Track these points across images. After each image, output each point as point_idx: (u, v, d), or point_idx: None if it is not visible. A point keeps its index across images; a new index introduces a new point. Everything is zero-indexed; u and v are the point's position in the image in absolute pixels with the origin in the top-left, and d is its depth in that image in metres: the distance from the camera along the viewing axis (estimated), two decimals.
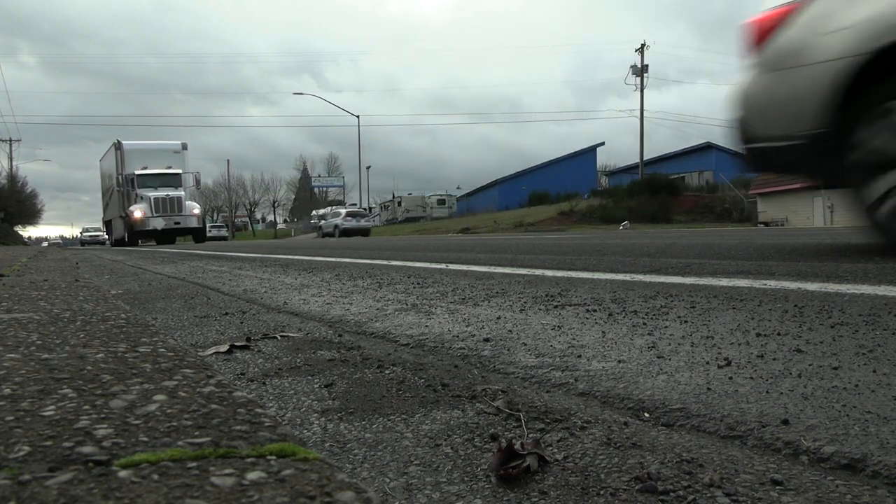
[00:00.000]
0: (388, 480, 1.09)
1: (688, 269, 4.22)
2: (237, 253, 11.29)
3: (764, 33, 4.68)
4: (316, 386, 1.67)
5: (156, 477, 0.79)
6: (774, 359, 1.70)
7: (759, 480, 1.01)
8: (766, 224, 34.10)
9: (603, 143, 64.72)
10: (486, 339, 2.18)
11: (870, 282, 3.15)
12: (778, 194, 36.44)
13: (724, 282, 3.44)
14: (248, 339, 2.34)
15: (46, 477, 0.79)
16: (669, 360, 1.76)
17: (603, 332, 2.20)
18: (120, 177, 31.90)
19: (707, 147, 55.72)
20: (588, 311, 2.66)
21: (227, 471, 0.82)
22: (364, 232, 37.89)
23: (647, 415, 1.36)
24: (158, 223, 29.57)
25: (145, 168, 31.28)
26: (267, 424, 1.01)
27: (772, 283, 3.25)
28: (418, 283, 4.10)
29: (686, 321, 2.30)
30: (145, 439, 0.93)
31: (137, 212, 29.50)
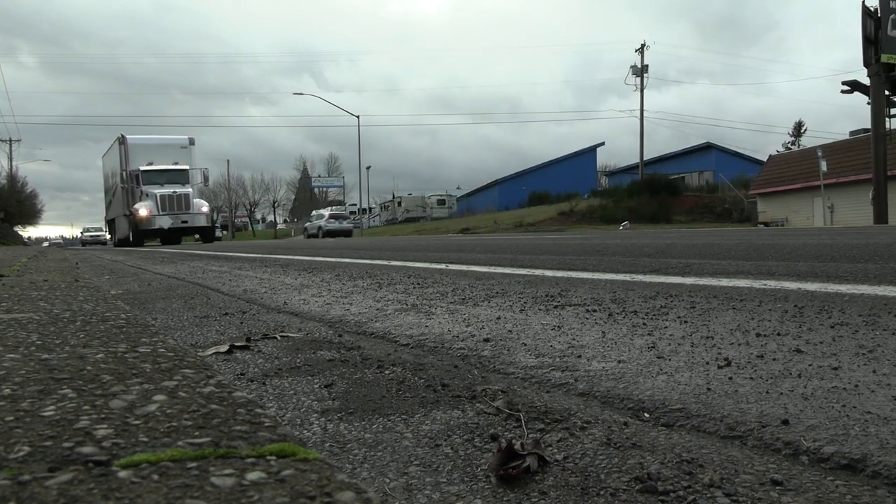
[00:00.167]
0: (388, 480, 1.09)
1: (688, 270, 4.22)
2: (237, 253, 11.29)
3: None
4: (316, 386, 1.67)
5: (156, 477, 0.79)
6: (774, 359, 1.70)
7: (759, 480, 1.01)
8: (766, 224, 34.08)
9: (603, 143, 64.69)
10: (486, 340, 2.18)
11: (870, 282, 3.15)
12: (778, 194, 36.44)
13: (724, 282, 3.44)
14: (248, 340, 2.34)
15: (46, 477, 0.79)
16: (669, 360, 1.76)
17: (603, 332, 2.20)
18: (124, 173, 29.91)
19: (707, 147, 55.70)
20: (588, 311, 2.66)
21: (227, 471, 0.82)
22: (346, 233, 39.83)
23: (647, 415, 1.36)
24: (165, 222, 27.83)
25: (151, 164, 29.43)
26: (267, 425, 1.01)
27: (772, 283, 3.25)
28: (418, 284, 4.10)
29: (686, 321, 2.30)
30: (145, 439, 0.93)
31: (143, 210, 27.75)
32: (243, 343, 2.26)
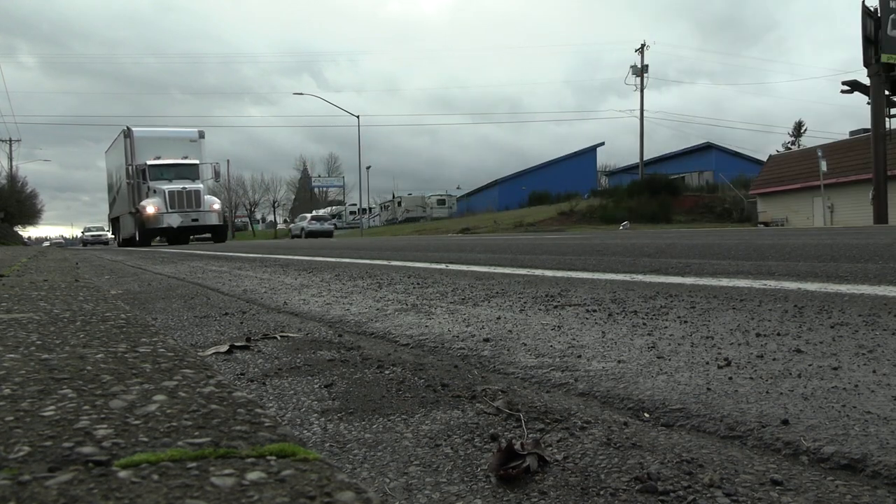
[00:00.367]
0: (388, 480, 1.09)
1: (688, 270, 4.22)
2: (237, 253, 11.29)
3: None
4: (316, 386, 1.67)
5: (156, 477, 0.79)
6: (774, 359, 1.70)
7: (759, 480, 1.01)
8: (766, 224, 34.07)
9: (603, 143, 64.67)
10: (486, 340, 2.18)
11: (870, 282, 3.15)
12: (778, 194, 36.45)
13: (724, 282, 3.44)
14: (248, 340, 2.34)
15: (46, 477, 0.79)
16: (669, 360, 1.76)
17: (603, 332, 2.20)
18: (130, 168, 27.58)
19: (707, 147, 55.70)
20: (588, 311, 2.66)
21: (227, 471, 0.82)
22: (326, 234, 43.02)
23: (647, 415, 1.36)
24: (174, 220, 25.77)
25: (158, 158, 27.33)
26: (267, 424, 1.01)
27: (772, 283, 3.25)
28: (418, 284, 4.10)
29: (686, 321, 2.30)
30: (145, 439, 0.93)
31: (150, 207, 25.67)
32: (243, 343, 2.26)
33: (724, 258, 5.16)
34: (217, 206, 27.53)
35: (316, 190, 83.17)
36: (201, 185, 26.96)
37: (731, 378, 1.54)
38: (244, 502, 0.73)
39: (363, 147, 44.76)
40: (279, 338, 2.37)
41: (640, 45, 46.33)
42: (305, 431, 1.33)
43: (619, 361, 1.77)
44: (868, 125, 28.50)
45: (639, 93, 46.62)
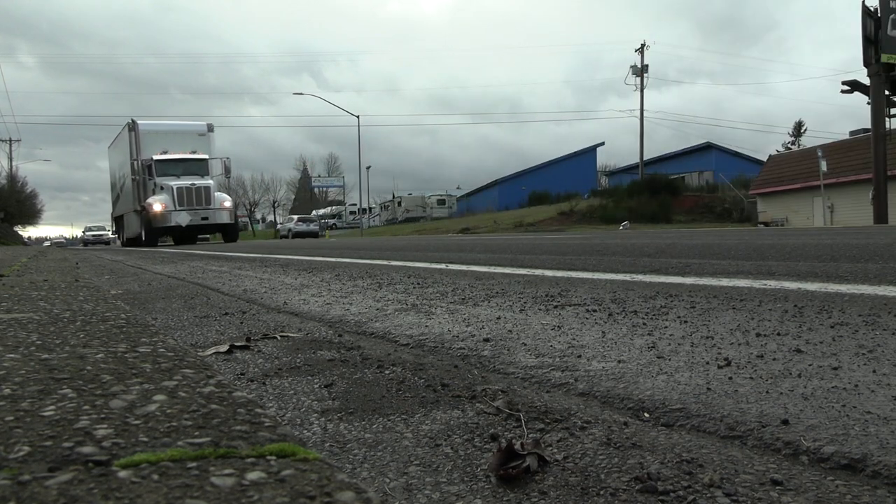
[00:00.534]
0: (388, 480, 1.09)
1: (688, 270, 4.22)
2: (237, 253, 11.29)
3: None
4: (316, 386, 1.67)
5: (156, 477, 0.79)
6: (774, 359, 1.70)
7: (759, 480, 1.01)
8: (766, 224, 34.07)
9: (603, 143, 64.63)
10: (486, 340, 2.18)
11: (870, 282, 3.15)
12: (778, 194, 36.46)
13: (724, 282, 3.44)
14: (248, 340, 2.34)
15: (46, 477, 0.79)
16: (669, 360, 1.76)
17: (603, 332, 2.20)
18: (135, 163, 25.95)
19: (707, 147, 55.68)
20: (588, 311, 2.66)
21: (227, 471, 0.81)
22: (312, 234, 45.80)
23: (647, 415, 1.36)
24: (182, 218, 24.13)
25: (165, 152, 25.75)
26: (267, 424, 1.01)
27: (772, 283, 3.25)
28: (418, 283, 4.10)
29: (686, 321, 2.30)
30: (145, 439, 0.93)
31: (157, 204, 24.08)
32: (243, 343, 2.26)
33: (724, 258, 5.16)
34: (228, 203, 25.94)
35: (316, 190, 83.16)
36: (211, 182, 25.40)
37: (731, 378, 1.54)
38: (244, 502, 0.73)
39: (363, 147, 44.78)
40: (279, 338, 2.37)
41: (640, 45, 46.34)
42: (305, 431, 1.33)
43: (619, 361, 1.77)
44: (868, 125, 28.50)
45: (639, 93, 46.64)
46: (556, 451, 1.17)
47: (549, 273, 4.48)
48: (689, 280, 3.62)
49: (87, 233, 64.35)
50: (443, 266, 5.60)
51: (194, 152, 26.39)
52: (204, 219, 24.72)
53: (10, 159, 64.77)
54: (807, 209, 34.63)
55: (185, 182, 24.51)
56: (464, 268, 5.31)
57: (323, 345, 2.22)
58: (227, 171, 27.19)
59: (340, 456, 1.19)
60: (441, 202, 69.17)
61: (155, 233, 24.58)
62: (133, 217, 27.16)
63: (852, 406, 1.29)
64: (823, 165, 29.08)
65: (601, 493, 1.00)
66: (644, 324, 2.30)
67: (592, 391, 1.53)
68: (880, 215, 26.88)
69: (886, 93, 27.52)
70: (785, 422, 1.23)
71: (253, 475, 0.80)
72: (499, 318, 2.61)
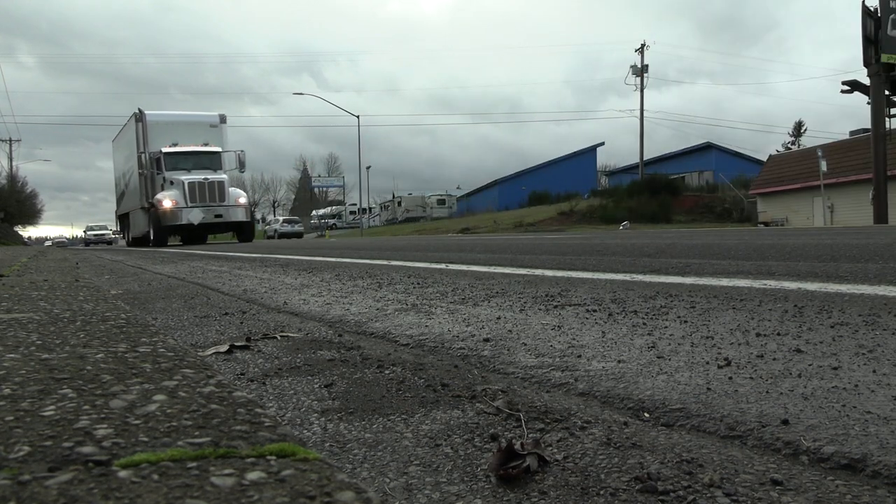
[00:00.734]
0: (388, 480, 1.09)
1: (688, 269, 4.22)
2: (237, 253, 11.29)
3: None
4: (316, 386, 1.67)
5: (156, 477, 0.79)
6: (774, 359, 1.70)
7: (759, 480, 1.01)
8: (766, 224, 34.07)
9: (603, 143, 64.62)
10: (486, 339, 2.18)
11: (870, 282, 3.15)
12: (778, 194, 36.46)
13: (724, 282, 3.44)
14: (248, 339, 2.34)
15: (46, 477, 0.79)
16: (669, 360, 1.76)
17: (603, 332, 2.20)
18: (142, 156, 24.00)
19: (707, 147, 55.68)
20: (588, 311, 2.66)
21: (227, 471, 0.82)
22: (297, 235, 47.10)
23: (647, 415, 1.36)
24: (194, 215, 22.33)
25: (175, 145, 23.96)
26: (267, 424, 1.01)
27: (772, 283, 3.25)
28: (418, 283, 4.10)
29: (686, 321, 2.30)
30: (145, 439, 0.93)
31: (167, 201, 22.30)
32: (243, 343, 2.26)
33: (724, 258, 5.16)
34: (243, 199, 24.12)
35: (316, 190, 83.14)
36: (225, 176, 23.74)
37: (731, 378, 1.54)
38: (244, 502, 0.73)
39: (363, 147, 44.78)
40: (279, 338, 2.37)
41: (640, 45, 46.33)
42: (305, 431, 1.33)
43: (619, 361, 1.77)
44: (868, 125, 28.50)
45: (639, 93, 46.63)
46: (556, 451, 1.17)
47: (549, 273, 4.48)
48: (689, 280, 3.62)
49: (89, 232, 62.73)
50: (443, 266, 5.60)
51: (206, 144, 24.66)
52: (218, 216, 22.99)
53: (10, 159, 64.77)
54: (807, 209, 34.63)
55: (197, 176, 22.77)
56: (464, 268, 5.31)
57: (323, 345, 2.22)
58: (241, 165, 25.27)
59: (340, 456, 1.19)
60: (441, 202, 69.19)
61: (164, 231, 22.95)
62: (140, 215, 25.41)
63: (852, 406, 1.29)
64: (823, 165, 29.09)
65: (601, 492, 1.00)
66: (644, 324, 2.30)
67: (592, 391, 1.53)
68: (880, 215, 26.88)
69: (886, 93, 27.52)
70: (785, 422, 1.23)
71: (253, 475, 0.80)
72: (499, 318, 2.61)
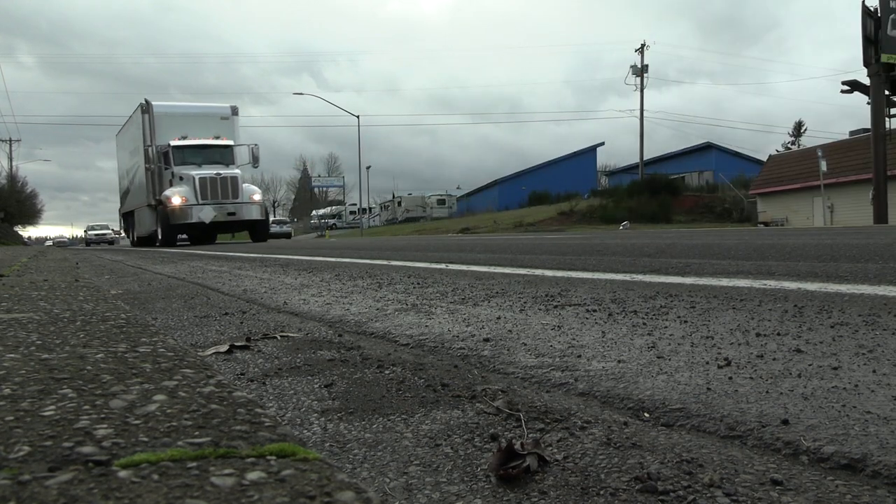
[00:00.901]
0: (388, 480, 1.09)
1: (688, 269, 4.22)
2: (237, 253, 11.29)
3: None
4: (316, 386, 1.67)
5: (156, 477, 0.79)
6: (774, 359, 1.70)
7: (759, 480, 1.01)
8: (766, 224, 34.06)
9: (603, 143, 64.62)
10: (486, 339, 2.18)
11: (870, 282, 3.15)
12: (778, 194, 36.45)
13: (724, 282, 3.44)
14: (248, 339, 2.34)
15: (46, 477, 0.79)
16: (669, 360, 1.76)
17: (603, 332, 2.20)
18: (149, 149, 22.42)
19: (707, 147, 55.67)
20: (588, 311, 2.66)
21: (227, 471, 0.81)
22: (285, 235, 47.67)
23: (647, 415, 1.36)
24: (206, 213, 20.87)
25: (184, 137, 22.40)
26: (267, 424, 1.01)
27: (772, 283, 3.25)
28: (418, 283, 4.10)
29: (686, 321, 2.30)
30: (145, 439, 0.93)
31: (176, 197, 20.83)
32: (243, 343, 2.26)
33: (724, 258, 5.16)
34: (258, 196, 22.55)
35: (316, 190, 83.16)
36: (238, 171, 22.10)
37: (731, 378, 1.54)
38: (244, 502, 0.73)
39: (363, 147, 44.77)
40: (279, 338, 2.37)
41: (640, 45, 46.31)
42: (305, 431, 1.33)
43: (619, 361, 1.77)
44: (868, 125, 28.50)
45: (639, 93, 46.63)
46: (556, 450, 1.17)
47: (549, 273, 4.48)
48: (689, 280, 3.62)
49: (90, 232, 60.59)
50: (443, 266, 5.60)
51: (217, 137, 22.99)
52: (231, 214, 21.42)
53: (10, 159, 64.75)
54: (807, 209, 34.62)
55: (208, 171, 21.22)
56: (464, 268, 5.31)
57: (323, 345, 2.22)
58: (254, 159, 23.59)
59: (340, 456, 1.19)
60: (441, 202, 69.19)
61: (173, 230, 21.47)
62: (146, 213, 23.75)
63: (852, 406, 1.29)
64: (823, 165, 29.09)
65: (601, 492, 1.00)
66: (644, 324, 2.30)
67: (592, 391, 1.53)
68: (880, 215, 26.88)
69: (886, 93, 27.53)
70: (785, 422, 1.23)
71: (253, 475, 0.80)
72: (499, 317, 2.60)
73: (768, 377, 1.53)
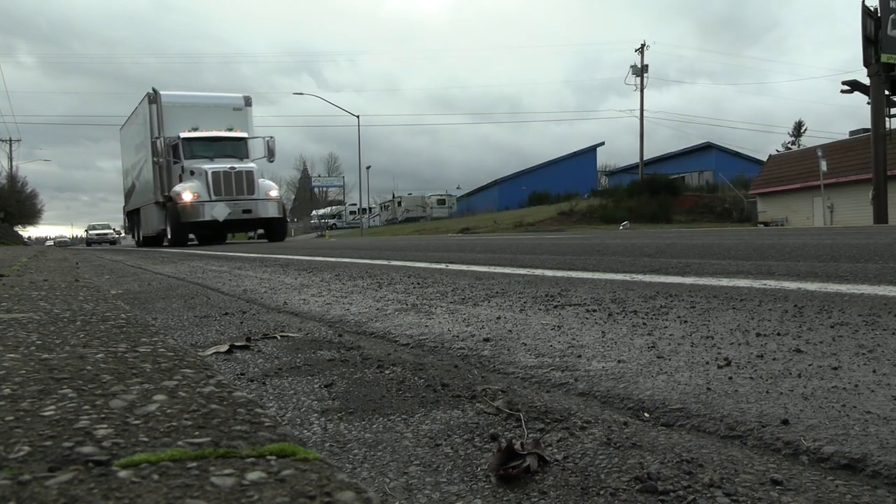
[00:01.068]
0: (388, 480, 1.09)
1: (688, 269, 4.22)
2: (237, 253, 11.29)
3: None
4: (316, 386, 1.67)
5: (156, 477, 0.79)
6: (774, 359, 1.70)
7: (759, 480, 1.00)
8: (766, 224, 34.06)
9: (603, 143, 64.60)
10: (486, 339, 2.18)
11: (870, 282, 3.15)
12: (778, 194, 36.45)
13: (724, 282, 3.44)
14: (248, 339, 2.34)
15: (46, 477, 0.79)
16: (669, 360, 1.76)
17: (603, 332, 2.20)
18: (157, 142, 20.69)
19: (707, 147, 55.66)
20: (588, 311, 2.66)
21: (227, 471, 0.81)
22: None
23: (647, 415, 1.36)
24: (219, 211, 19.32)
25: (195, 129, 20.83)
26: (267, 424, 1.01)
27: (772, 283, 3.25)
28: (418, 283, 4.10)
29: (686, 321, 2.30)
30: (145, 439, 0.93)
31: (187, 193, 19.27)
32: (243, 343, 2.26)
33: (724, 258, 5.16)
34: (275, 192, 20.86)
35: (316, 190, 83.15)
36: (254, 165, 20.46)
37: (731, 378, 1.54)
38: (244, 502, 0.73)
39: (363, 147, 44.75)
40: (279, 338, 2.37)
41: (640, 45, 46.30)
42: (305, 431, 1.33)
43: (619, 361, 1.77)
44: (868, 125, 28.50)
45: (639, 93, 46.62)
46: (556, 450, 1.17)
47: (549, 273, 4.48)
48: (689, 280, 3.62)
49: (91, 232, 58.51)
50: (443, 266, 5.60)
51: (230, 129, 21.46)
52: (246, 211, 19.85)
53: (10, 159, 64.73)
54: (807, 209, 34.62)
55: (221, 165, 19.65)
56: (464, 268, 5.31)
57: (323, 345, 2.22)
58: (270, 153, 21.78)
59: (340, 456, 1.19)
60: (441, 202, 69.17)
61: (184, 229, 19.89)
62: (153, 211, 22.12)
63: (852, 406, 1.29)
64: (823, 165, 29.08)
65: (601, 492, 1.00)
66: (644, 324, 2.30)
67: (592, 391, 1.53)
68: (880, 215, 26.88)
69: (886, 93, 27.52)
70: (785, 422, 1.23)
71: (253, 475, 0.80)
72: (499, 317, 2.60)
73: (768, 377, 1.53)
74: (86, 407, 1.09)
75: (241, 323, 2.80)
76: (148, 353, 1.56)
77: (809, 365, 1.62)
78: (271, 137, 21.94)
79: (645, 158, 48.27)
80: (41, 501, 0.72)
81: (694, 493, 0.97)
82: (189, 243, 21.65)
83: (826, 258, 4.70)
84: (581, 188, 50.13)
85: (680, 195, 42.54)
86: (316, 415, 1.43)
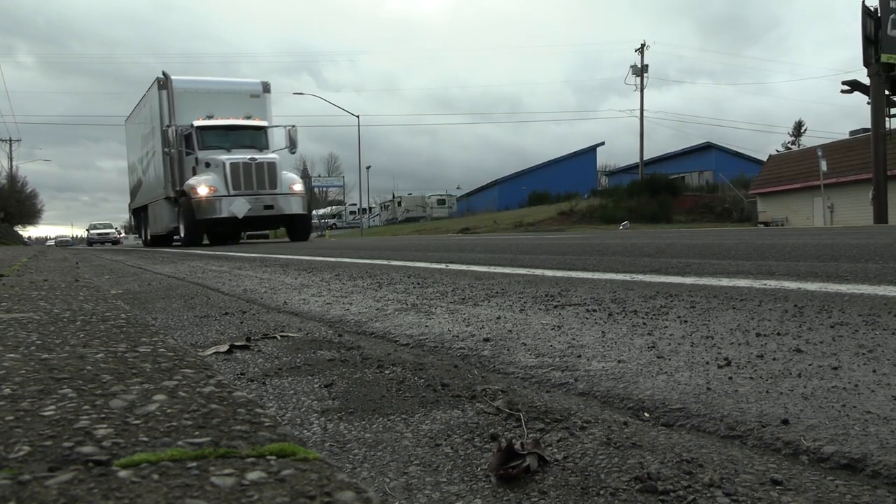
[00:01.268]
0: (388, 480, 1.09)
1: (688, 269, 4.22)
2: (237, 253, 11.29)
3: None
4: (316, 386, 1.67)
5: (156, 477, 0.79)
6: (774, 359, 1.70)
7: (759, 480, 1.00)
8: (766, 224, 34.06)
9: (603, 143, 64.61)
10: (486, 339, 2.18)
11: (870, 282, 3.15)
12: (778, 194, 36.45)
13: (724, 282, 3.44)
14: (248, 339, 2.34)
15: (46, 477, 0.79)
16: (669, 360, 1.76)
17: (603, 332, 2.20)
18: (169, 131, 18.59)
19: (707, 147, 55.66)
20: (588, 311, 2.66)
21: (227, 471, 0.81)
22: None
23: (647, 415, 1.36)
24: (238, 206, 17.39)
25: (211, 117, 18.88)
26: (267, 424, 1.01)
27: (772, 283, 3.25)
28: (418, 283, 4.10)
29: (686, 321, 2.30)
30: (145, 439, 0.93)
31: (202, 187, 17.31)
32: (243, 343, 2.26)
33: (724, 258, 5.16)
34: (298, 186, 18.72)
35: (316, 190, 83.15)
36: (276, 156, 18.47)
37: (731, 378, 1.54)
38: (244, 502, 0.73)
39: (363, 147, 44.72)
40: (279, 337, 2.37)
41: (640, 45, 46.29)
42: (305, 431, 1.33)
43: (619, 361, 1.77)
44: (868, 125, 28.50)
45: (639, 93, 46.61)
46: (556, 450, 1.17)
47: (549, 273, 4.48)
48: (689, 280, 3.62)
49: (92, 231, 56.50)
50: (443, 266, 5.60)
51: (248, 117, 19.56)
52: (268, 207, 17.91)
53: (10, 159, 64.73)
54: (807, 209, 34.61)
55: (240, 156, 17.69)
56: (464, 268, 5.31)
57: (323, 345, 2.22)
58: (292, 144, 19.72)
59: (340, 456, 1.19)
60: (441, 202, 69.16)
61: (199, 226, 17.92)
62: (163, 207, 20.12)
63: (852, 406, 1.29)
64: (823, 165, 29.08)
65: (601, 492, 1.00)
66: (644, 323, 2.30)
67: (592, 391, 1.53)
68: (880, 215, 26.88)
69: (886, 93, 27.52)
70: (785, 422, 1.23)
71: (253, 475, 0.80)
72: (499, 317, 2.60)
73: (768, 377, 1.53)
74: (86, 407, 1.09)
75: (241, 323, 2.80)
76: (148, 352, 1.56)
77: (809, 365, 1.62)
78: (293, 126, 19.86)
79: (645, 158, 48.28)
80: (41, 501, 0.72)
81: (694, 493, 0.97)
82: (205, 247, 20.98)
83: (826, 258, 4.70)
84: (581, 188, 50.13)
85: (680, 195, 42.54)
86: (316, 415, 1.43)
